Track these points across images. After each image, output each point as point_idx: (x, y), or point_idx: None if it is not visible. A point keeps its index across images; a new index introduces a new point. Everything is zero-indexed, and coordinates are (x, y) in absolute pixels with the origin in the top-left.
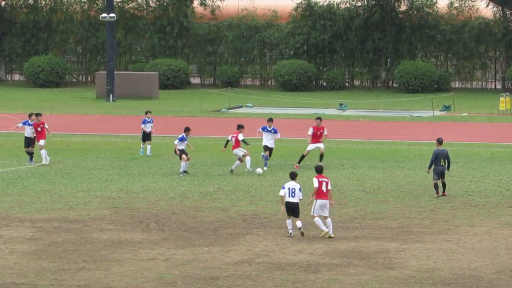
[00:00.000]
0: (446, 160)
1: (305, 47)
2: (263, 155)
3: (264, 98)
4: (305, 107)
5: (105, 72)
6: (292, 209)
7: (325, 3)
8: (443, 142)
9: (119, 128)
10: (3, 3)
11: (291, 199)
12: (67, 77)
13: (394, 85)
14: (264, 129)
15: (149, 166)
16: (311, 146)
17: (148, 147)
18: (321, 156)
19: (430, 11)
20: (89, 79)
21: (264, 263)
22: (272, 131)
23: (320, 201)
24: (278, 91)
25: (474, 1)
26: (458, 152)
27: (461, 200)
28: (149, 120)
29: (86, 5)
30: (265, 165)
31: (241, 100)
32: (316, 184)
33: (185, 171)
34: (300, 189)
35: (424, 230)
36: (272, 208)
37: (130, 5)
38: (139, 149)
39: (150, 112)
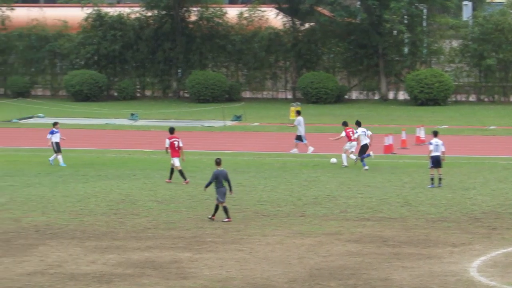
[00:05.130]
0: (227, 181)
1: (96, 57)
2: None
3: (55, 108)
4: (97, 117)
5: None
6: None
7: (115, 14)
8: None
9: None
10: None
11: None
12: None
13: (186, 95)
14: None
15: None
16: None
17: (60, 157)
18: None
19: (220, 21)
20: None
21: (57, 274)
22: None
23: None
24: (69, 101)
25: (264, 12)
26: (249, 161)
27: (253, 210)
28: (57, 131)
29: None
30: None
31: (32, 110)
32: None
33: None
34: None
35: (216, 239)
36: (64, 219)
37: None
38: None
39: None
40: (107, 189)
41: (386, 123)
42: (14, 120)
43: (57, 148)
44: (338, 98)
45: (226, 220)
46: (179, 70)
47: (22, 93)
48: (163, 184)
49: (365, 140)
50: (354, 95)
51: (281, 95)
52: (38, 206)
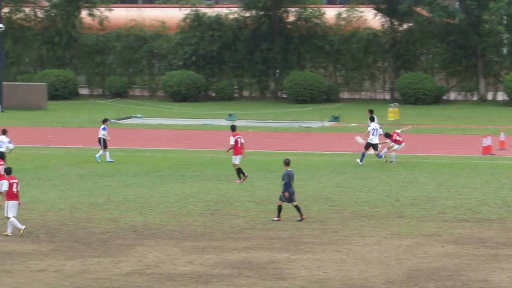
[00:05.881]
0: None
1: (194, 57)
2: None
3: (153, 109)
4: (194, 118)
5: None
6: None
7: (214, 14)
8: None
9: None
10: None
11: None
12: None
13: (283, 95)
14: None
15: (38, 177)
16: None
17: (107, 153)
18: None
19: (318, 22)
20: None
21: (155, 274)
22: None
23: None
24: (167, 101)
25: (362, 12)
26: (347, 162)
27: (351, 211)
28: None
29: None
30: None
31: (130, 111)
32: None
33: None
34: None
35: (314, 240)
36: (162, 219)
37: (18, 15)
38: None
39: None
40: (204, 190)
41: (485, 124)
42: (112, 121)
43: (104, 145)
44: (436, 98)
45: (276, 219)
46: (277, 71)
47: (120, 94)
48: (260, 184)
49: (374, 139)
50: (453, 95)
51: (379, 96)
52: (136, 207)
